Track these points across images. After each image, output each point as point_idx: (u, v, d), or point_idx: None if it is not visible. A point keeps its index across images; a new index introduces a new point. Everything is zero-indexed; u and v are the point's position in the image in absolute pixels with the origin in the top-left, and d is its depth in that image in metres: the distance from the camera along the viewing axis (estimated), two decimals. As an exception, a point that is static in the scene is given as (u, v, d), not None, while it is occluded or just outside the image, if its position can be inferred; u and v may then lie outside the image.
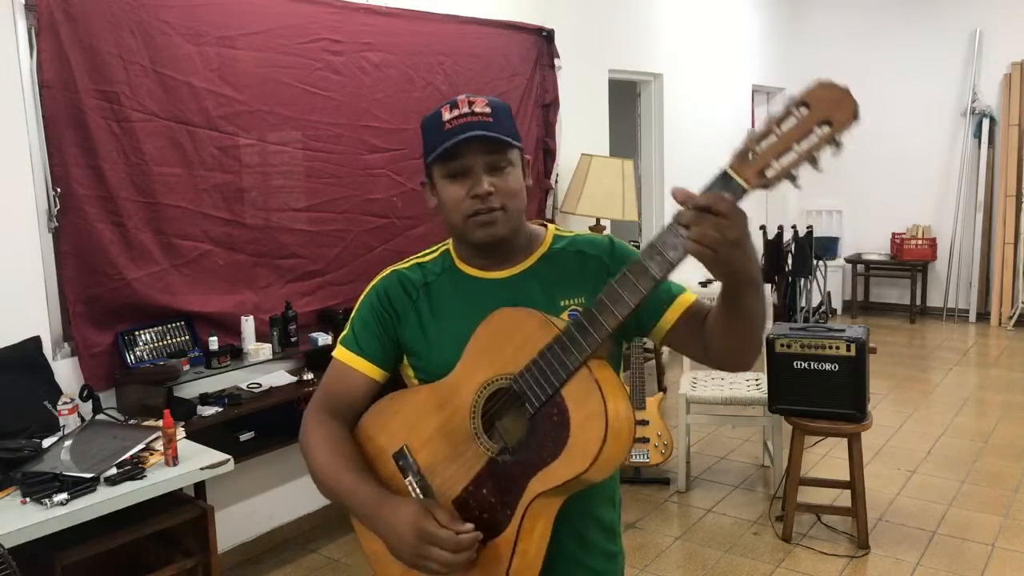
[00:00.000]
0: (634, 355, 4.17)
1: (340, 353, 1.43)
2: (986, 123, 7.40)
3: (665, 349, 5.78)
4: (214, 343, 3.21)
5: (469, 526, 1.23)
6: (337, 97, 3.73)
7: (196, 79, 3.22)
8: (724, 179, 1.07)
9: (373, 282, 1.45)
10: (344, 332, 1.45)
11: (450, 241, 1.45)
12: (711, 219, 1.05)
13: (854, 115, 1.00)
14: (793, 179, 1.05)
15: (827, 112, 1.01)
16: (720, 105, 7.00)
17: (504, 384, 1.25)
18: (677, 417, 4.11)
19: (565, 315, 1.33)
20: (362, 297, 1.45)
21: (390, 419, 1.39)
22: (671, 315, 1.36)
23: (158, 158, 3.13)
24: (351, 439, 1.40)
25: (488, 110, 1.31)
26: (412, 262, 1.45)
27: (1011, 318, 7.28)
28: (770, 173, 1.05)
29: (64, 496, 2.29)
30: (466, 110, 1.30)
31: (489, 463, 1.26)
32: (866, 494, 3.54)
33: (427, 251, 1.47)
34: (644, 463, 4.13)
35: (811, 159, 1.03)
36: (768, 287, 4.41)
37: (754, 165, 1.05)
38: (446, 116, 1.30)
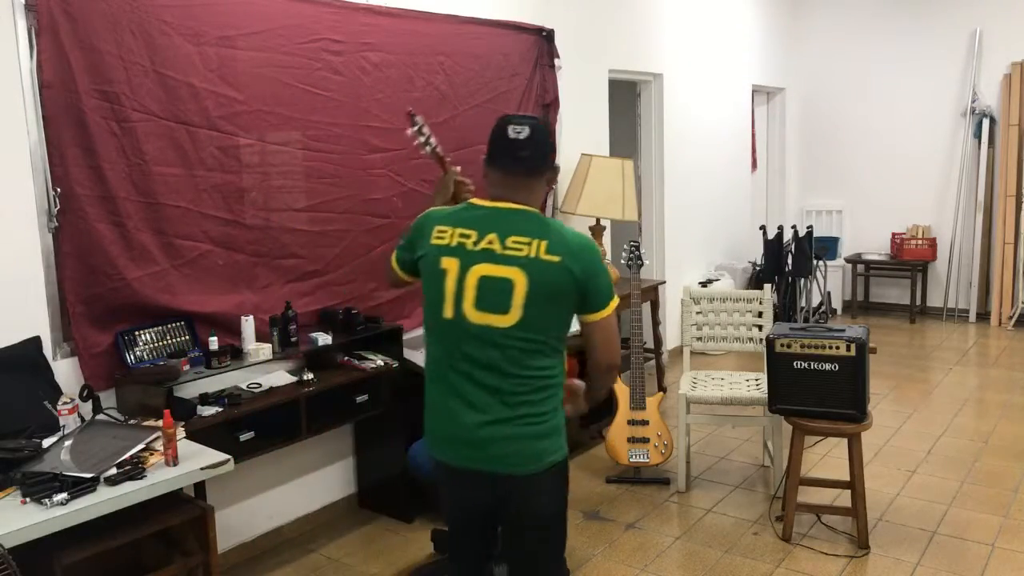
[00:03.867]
0: (634, 355, 4.17)
1: None
2: (986, 123, 7.41)
3: (665, 350, 5.79)
4: (214, 343, 3.20)
5: None
6: (337, 97, 3.73)
7: (196, 79, 3.22)
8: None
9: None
10: None
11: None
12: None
13: None
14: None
15: None
16: (720, 105, 6.99)
17: None
18: (677, 417, 4.11)
19: None
20: None
21: None
22: None
23: (158, 158, 3.13)
24: None
25: None
26: None
27: (1011, 318, 7.28)
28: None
29: (64, 496, 2.28)
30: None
31: None
32: (866, 494, 3.54)
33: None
34: (644, 463, 4.14)
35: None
36: (768, 287, 4.40)
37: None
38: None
